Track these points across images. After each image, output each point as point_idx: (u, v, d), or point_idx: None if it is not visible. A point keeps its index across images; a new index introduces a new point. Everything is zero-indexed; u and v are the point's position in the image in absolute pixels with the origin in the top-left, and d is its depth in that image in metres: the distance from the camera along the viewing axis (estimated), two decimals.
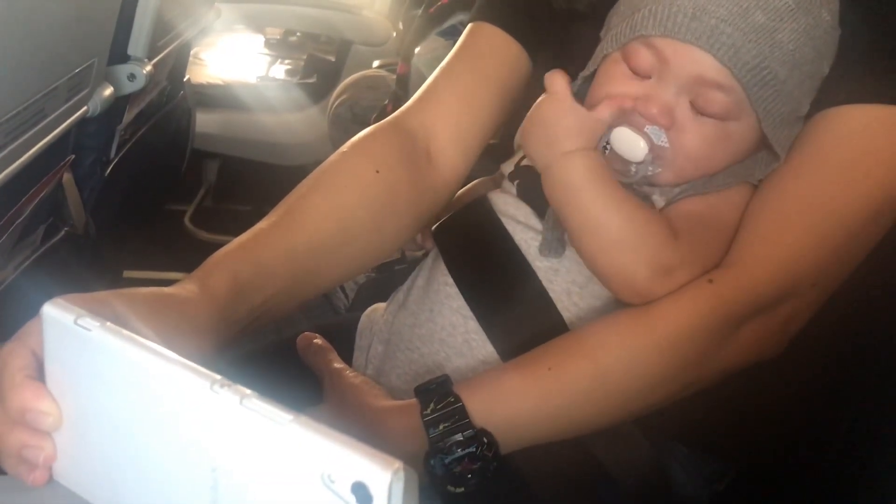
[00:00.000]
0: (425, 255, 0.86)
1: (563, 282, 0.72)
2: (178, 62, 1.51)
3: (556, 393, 0.65)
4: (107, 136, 1.17)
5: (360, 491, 0.33)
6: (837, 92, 0.68)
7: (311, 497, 0.34)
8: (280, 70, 2.70)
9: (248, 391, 0.36)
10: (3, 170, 0.74)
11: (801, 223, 0.68)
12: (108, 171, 1.19)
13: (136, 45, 1.09)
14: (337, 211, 0.74)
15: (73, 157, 0.93)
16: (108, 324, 0.40)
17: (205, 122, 2.18)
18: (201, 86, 2.36)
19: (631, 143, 0.69)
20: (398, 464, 0.32)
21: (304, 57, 2.69)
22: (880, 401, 0.75)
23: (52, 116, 0.82)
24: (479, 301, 0.73)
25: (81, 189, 1.11)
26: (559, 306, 0.72)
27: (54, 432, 0.45)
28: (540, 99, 0.73)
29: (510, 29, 0.85)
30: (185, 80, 1.67)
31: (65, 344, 0.42)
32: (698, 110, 0.68)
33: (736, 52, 0.65)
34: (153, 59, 1.16)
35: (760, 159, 0.71)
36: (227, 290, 0.61)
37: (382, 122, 0.82)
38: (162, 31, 1.19)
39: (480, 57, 0.86)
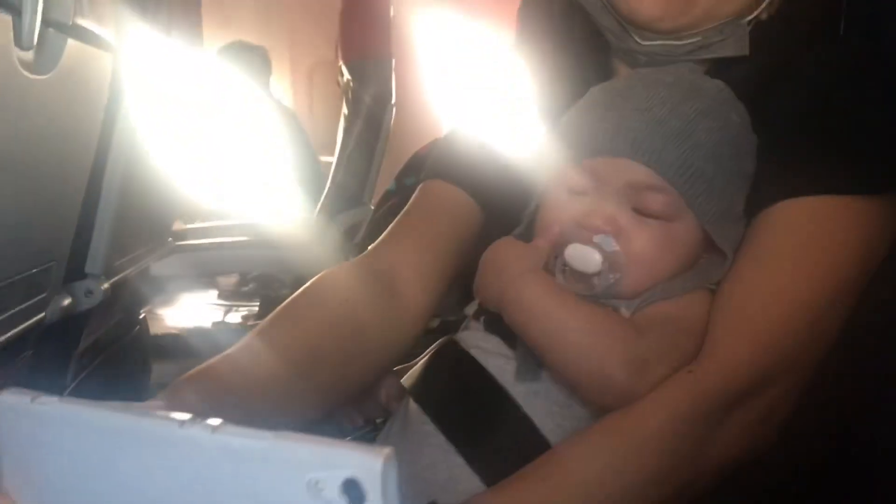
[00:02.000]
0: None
1: (544, 403, 0.71)
2: (135, 295, 1.52)
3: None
4: (62, 360, 1.15)
5: (352, 489, 0.30)
6: (775, 189, 0.73)
7: None
8: (236, 317, 2.74)
9: (218, 421, 0.33)
10: None
11: (767, 309, 0.69)
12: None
13: (94, 261, 1.11)
14: (301, 340, 0.73)
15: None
16: (66, 396, 0.38)
17: (162, 372, 2.15)
18: (157, 337, 2.36)
19: (584, 256, 0.71)
20: (387, 450, 0.30)
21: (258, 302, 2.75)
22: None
23: (8, 314, 0.82)
24: (460, 434, 0.71)
25: None
26: (543, 430, 0.70)
27: None
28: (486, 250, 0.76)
29: (459, 183, 0.90)
30: (141, 317, 1.67)
31: (23, 431, 0.39)
32: (640, 212, 0.71)
33: (659, 156, 0.69)
34: (110, 278, 1.18)
35: (713, 263, 0.74)
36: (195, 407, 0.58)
37: (346, 262, 0.84)
38: (119, 251, 1.21)
39: (433, 214, 0.91)
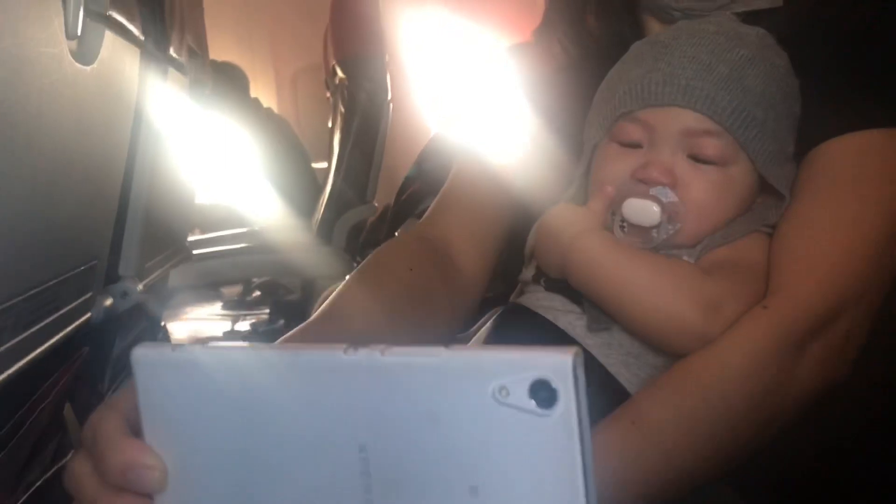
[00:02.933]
0: None
1: (619, 354, 0.71)
2: (158, 303, 1.52)
3: (639, 451, 0.62)
4: (100, 364, 1.15)
5: (541, 391, 0.30)
6: (822, 129, 0.73)
7: (487, 425, 0.31)
8: (244, 325, 2.73)
9: (382, 344, 0.33)
10: (16, 361, 0.71)
11: (831, 243, 0.70)
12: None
13: (127, 263, 1.10)
14: (378, 307, 0.73)
15: (79, 360, 0.91)
16: (210, 343, 0.38)
17: None
18: None
19: (643, 210, 0.71)
20: (575, 348, 0.30)
21: (267, 310, 2.74)
22: None
23: (62, 312, 0.81)
24: None
25: (81, 420, 1.07)
26: (621, 380, 0.70)
27: (160, 496, 0.40)
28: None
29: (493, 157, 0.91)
30: (161, 324, 1.66)
31: (164, 384, 0.39)
32: (696, 159, 0.71)
33: (713, 102, 0.70)
34: (143, 279, 1.18)
35: (767, 205, 0.75)
36: None
37: (401, 234, 0.84)
38: (147, 254, 1.21)
39: (476, 186, 0.91)
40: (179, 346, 0.38)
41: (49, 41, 0.64)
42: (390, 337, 0.75)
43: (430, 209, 0.91)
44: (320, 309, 0.72)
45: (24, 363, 0.73)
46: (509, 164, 0.92)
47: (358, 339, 0.34)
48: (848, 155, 0.72)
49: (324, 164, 2.97)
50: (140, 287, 1.13)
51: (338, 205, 2.47)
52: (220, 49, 3.81)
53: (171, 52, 1.13)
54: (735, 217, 0.73)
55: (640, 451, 0.62)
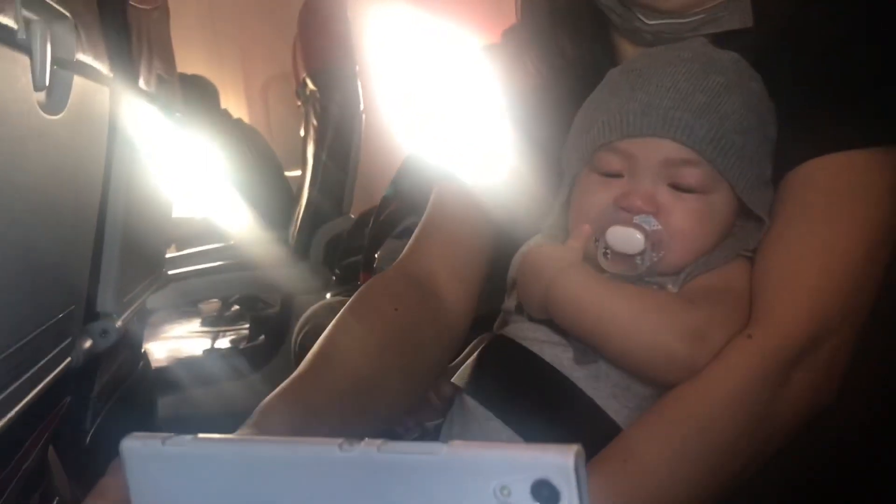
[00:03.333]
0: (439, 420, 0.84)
1: (607, 386, 0.71)
2: (137, 330, 1.50)
3: (633, 490, 0.62)
4: (83, 404, 1.13)
5: (543, 490, 0.29)
6: (797, 151, 0.74)
7: None
8: (224, 342, 2.71)
9: (378, 440, 0.33)
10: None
11: (812, 266, 0.70)
12: (87, 441, 1.13)
13: (105, 300, 1.09)
14: (369, 350, 0.73)
15: (60, 410, 0.89)
16: (200, 435, 0.37)
17: (163, 405, 2.12)
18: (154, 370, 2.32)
19: (627, 238, 0.71)
20: (576, 447, 0.29)
21: (248, 325, 2.72)
22: None
23: (43, 362, 0.80)
24: (529, 426, 0.71)
25: (64, 462, 1.05)
26: (609, 412, 0.70)
27: None
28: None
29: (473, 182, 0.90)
30: (142, 350, 1.65)
31: (154, 476, 0.38)
32: (677, 187, 0.71)
33: (691, 131, 0.70)
34: (121, 316, 1.16)
35: (749, 229, 0.75)
36: (285, 433, 0.58)
37: (386, 270, 0.84)
38: (124, 288, 1.19)
39: (456, 214, 0.91)
40: (170, 437, 0.37)
41: (17, 96, 0.63)
42: (382, 386, 0.75)
43: (412, 241, 0.90)
44: (312, 355, 0.71)
45: (4, 422, 0.71)
46: (488, 186, 0.92)
47: (353, 436, 0.34)
48: (824, 177, 0.73)
49: (297, 173, 2.96)
50: (119, 323, 1.12)
51: (314, 218, 2.45)
52: (188, 61, 3.78)
53: (141, 83, 1.12)
54: (717, 243, 0.74)
55: (633, 490, 0.62)
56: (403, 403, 0.79)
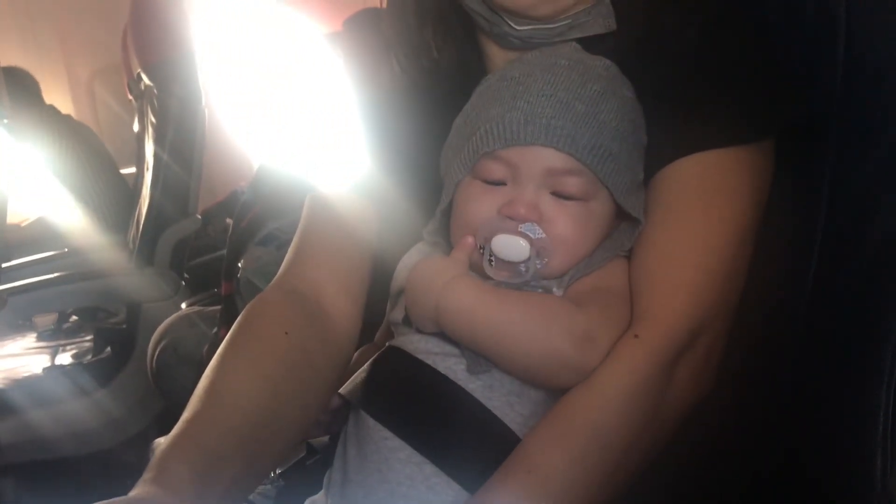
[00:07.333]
0: (331, 437, 0.82)
1: (501, 395, 0.72)
2: None
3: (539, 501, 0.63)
4: None
5: None
6: (664, 152, 0.77)
7: None
8: (66, 357, 2.52)
9: None
10: None
11: (685, 264, 0.74)
12: None
13: None
14: (262, 384, 0.70)
15: None
16: None
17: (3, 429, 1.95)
18: None
19: (513, 246, 0.72)
20: None
21: (90, 337, 2.54)
22: None
23: None
24: (427, 442, 0.70)
25: None
26: (506, 420, 0.71)
27: None
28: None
29: (350, 187, 0.88)
30: None
31: None
32: (559, 195, 0.73)
33: (573, 140, 0.71)
34: None
35: (624, 230, 0.77)
36: (190, 483, 0.54)
37: (270, 287, 0.80)
38: None
39: (334, 224, 0.89)
40: None
41: None
42: (280, 418, 0.72)
43: (291, 254, 0.87)
44: (202, 393, 0.67)
45: None
46: (364, 194, 0.90)
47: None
48: (691, 176, 0.76)
49: (132, 170, 2.78)
50: None
51: (158, 221, 2.31)
52: (2, 52, 3.46)
53: None
54: (597, 245, 0.76)
55: (539, 502, 0.63)
56: (302, 430, 0.77)
